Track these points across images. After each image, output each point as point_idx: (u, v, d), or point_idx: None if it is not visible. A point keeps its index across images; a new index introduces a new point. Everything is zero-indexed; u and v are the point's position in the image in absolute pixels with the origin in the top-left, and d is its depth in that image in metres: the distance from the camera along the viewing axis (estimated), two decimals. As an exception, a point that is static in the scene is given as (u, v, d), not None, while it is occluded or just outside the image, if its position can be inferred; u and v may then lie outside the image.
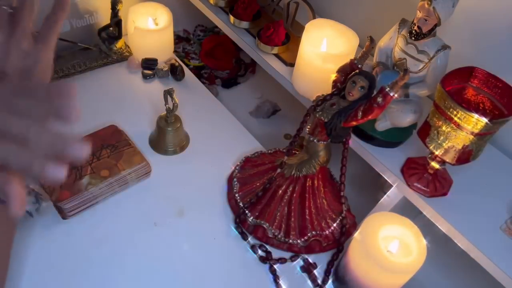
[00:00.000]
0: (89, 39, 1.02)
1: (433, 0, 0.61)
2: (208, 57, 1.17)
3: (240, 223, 0.78)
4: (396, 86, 0.61)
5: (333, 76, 0.70)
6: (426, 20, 0.64)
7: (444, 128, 0.60)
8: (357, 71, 0.65)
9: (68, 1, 0.45)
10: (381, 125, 0.74)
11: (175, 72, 1.02)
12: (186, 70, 1.05)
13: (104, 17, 1.03)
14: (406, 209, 0.73)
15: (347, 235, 0.78)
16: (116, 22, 0.99)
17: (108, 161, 0.79)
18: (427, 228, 0.68)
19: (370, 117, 0.64)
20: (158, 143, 0.87)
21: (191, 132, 0.91)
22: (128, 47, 1.05)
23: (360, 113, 0.64)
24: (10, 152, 0.33)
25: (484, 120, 0.55)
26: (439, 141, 0.62)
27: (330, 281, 0.73)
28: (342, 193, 0.77)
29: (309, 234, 0.75)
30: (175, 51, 1.12)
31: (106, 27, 1.01)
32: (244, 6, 0.94)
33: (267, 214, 0.76)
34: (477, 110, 0.56)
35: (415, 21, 0.65)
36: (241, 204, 0.79)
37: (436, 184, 0.69)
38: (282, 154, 0.85)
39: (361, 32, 0.77)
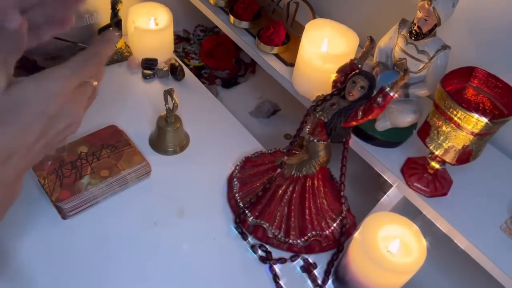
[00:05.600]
0: (89, 39, 1.02)
1: (433, 0, 0.61)
2: (208, 57, 1.17)
3: (240, 223, 0.78)
4: (396, 86, 0.61)
5: (333, 76, 0.70)
6: (426, 20, 0.64)
7: (444, 128, 0.60)
8: (357, 71, 0.65)
9: None
10: (381, 125, 0.74)
11: (175, 72, 1.02)
12: (186, 70, 1.05)
13: (104, 17, 1.03)
14: (406, 209, 0.73)
15: (347, 235, 0.78)
16: (116, 22, 0.99)
17: (108, 161, 0.79)
18: (427, 228, 0.68)
19: (370, 117, 0.64)
20: (158, 143, 0.87)
21: (191, 132, 0.91)
22: (128, 47, 1.05)
23: (360, 113, 0.64)
24: None
25: (484, 120, 0.55)
26: (439, 141, 0.62)
27: (330, 281, 0.73)
28: (342, 193, 0.77)
29: (309, 234, 0.75)
30: (175, 51, 1.12)
31: (106, 27, 1.01)
32: (244, 6, 0.94)
33: (267, 214, 0.76)
34: (477, 110, 0.56)
35: (415, 21, 0.65)
36: (241, 204, 0.79)
37: (436, 184, 0.69)
38: (282, 154, 0.85)
39: (361, 32, 0.77)
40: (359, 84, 0.64)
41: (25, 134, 0.36)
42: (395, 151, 0.75)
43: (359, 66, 0.68)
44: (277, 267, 0.74)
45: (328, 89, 0.70)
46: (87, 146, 0.81)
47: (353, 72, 0.65)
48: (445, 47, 0.66)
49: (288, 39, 0.92)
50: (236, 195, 0.80)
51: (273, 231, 0.76)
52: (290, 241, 0.75)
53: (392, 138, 0.75)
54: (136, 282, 0.69)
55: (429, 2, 0.62)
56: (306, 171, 0.75)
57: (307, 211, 0.76)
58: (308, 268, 0.74)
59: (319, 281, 0.73)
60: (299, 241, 0.75)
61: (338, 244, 0.77)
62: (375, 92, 0.64)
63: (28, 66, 0.92)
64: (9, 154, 0.37)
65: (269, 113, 1.09)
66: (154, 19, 1.00)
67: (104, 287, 0.68)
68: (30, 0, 0.36)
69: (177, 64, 1.02)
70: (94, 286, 0.68)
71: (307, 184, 0.76)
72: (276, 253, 0.76)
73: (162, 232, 0.76)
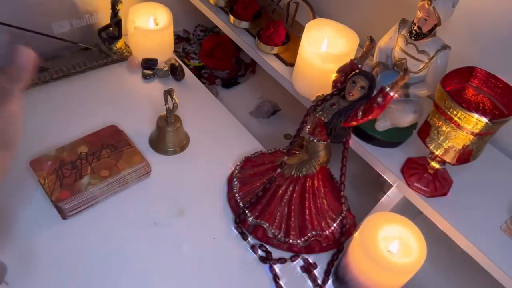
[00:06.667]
0: (89, 39, 1.02)
1: (433, 0, 0.61)
2: (208, 57, 1.17)
3: (240, 223, 0.78)
4: (396, 86, 0.61)
5: (333, 76, 0.70)
6: (426, 20, 0.64)
7: (444, 128, 0.60)
8: (357, 71, 0.65)
9: None
10: (381, 125, 0.74)
11: (175, 72, 1.02)
12: (186, 70, 1.05)
13: (104, 17, 1.03)
14: (406, 209, 0.73)
15: (347, 235, 0.78)
16: (116, 22, 0.99)
17: (108, 161, 0.79)
18: (427, 228, 0.68)
19: (370, 117, 0.64)
20: (158, 143, 0.87)
21: (191, 132, 0.91)
22: (128, 47, 1.05)
23: (360, 113, 0.64)
24: None
25: (484, 120, 0.55)
26: (439, 141, 0.62)
27: (330, 281, 0.73)
28: (342, 193, 0.77)
29: (309, 234, 0.75)
30: (175, 51, 1.12)
31: (106, 27, 1.01)
32: (244, 6, 0.94)
33: (267, 214, 0.76)
34: (477, 110, 0.56)
35: (415, 21, 0.66)
36: (241, 204, 0.79)
37: (436, 184, 0.69)
38: (282, 154, 0.85)
39: (361, 32, 0.77)
40: (359, 84, 0.64)
41: None
42: (395, 151, 0.75)
43: (359, 66, 0.68)
44: (277, 267, 0.74)
45: (328, 89, 0.70)
46: (87, 146, 0.81)
47: (353, 72, 0.65)
48: (445, 47, 0.66)
49: (288, 39, 0.92)
50: (236, 195, 0.80)
51: (273, 231, 0.76)
52: (290, 241, 0.75)
53: (392, 138, 0.75)
54: (136, 282, 0.69)
55: (429, 2, 0.62)
56: (306, 171, 0.75)
57: (307, 211, 0.76)
58: (308, 268, 0.74)
59: (319, 281, 0.73)
60: (299, 241, 0.75)
61: (338, 244, 0.77)
62: (375, 92, 0.64)
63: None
64: None
65: (269, 113, 1.09)
66: (154, 19, 1.00)
67: (104, 286, 0.68)
68: None
69: (177, 64, 1.02)
70: (94, 286, 0.68)
71: (307, 184, 0.76)
72: (276, 253, 0.76)
73: (162, 232, 0.76)
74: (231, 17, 0.95)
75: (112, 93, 0.97)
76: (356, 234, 0.69)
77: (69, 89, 0.95)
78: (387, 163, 0.73)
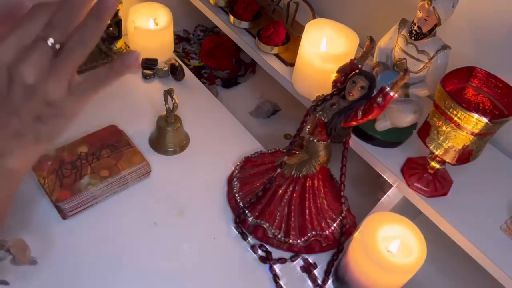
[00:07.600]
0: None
1: (433, 0, 0.61)
2: (208, 57, 1.17)
3: (240, 223, 0.78)
4: (396, 86, 0.61)
5: (333, 76, 0.70)
6: (426, 20, 0.64)
7: (444, 128, 0.60)
8: (357, 71, 0.66)
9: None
10: (381, 125, 0.74)
11: (175, 72, 1.02)
12: (186, 70, 1.05)
13: (104, 17, 1.03)
14: (406, 209, 0.73)
15: (347, 235, 0.78)
16: (116, 22, 0.99)
17: (108, 161, 0.79)
18: (427, 228, 0.68)
19: (370, 117, 0.64)
20: (158, 143, 0.87)
21: (191, 132, 0.91)
22: (128, 47, 1.05)
23: (360, 113, 0.64)
24: None
25: (484, 120, 0.55)
26: (439, 141, 0.62)
27: (330, 281, 0.73)
28: (342, 193, 0.77)
29: (309, 234, 0.75)
30: (175, 51, 1.12)
31: (106, 27, 1.01)
32: (244, 6, 0.94)
33: (267, 214, 0.76)
34: (477, 110, 0.56)
35: (415, 21, 0.65)
36: (241, 204, 0.79)
37: (436, 184, 0.69)
38: (282, 154, 0.85)
39: (361, 32, 0.77)
40: (359, 84, 0.64)
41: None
42: (395, 151, 0.75)
43: (359, 66, 0.68)
44: (277, 267, 0.74)
45: (328, 89, 0.70)
46: (87, 146, 0.81)
47: (353, 72, 0.65)
48: (445, 47, 0.66)
49: (288, 39, 0.92)
50: (236, 195, 0.80)
51: (273, 231, 0.76)
52: (290, 241, 0.75)
53: (392, 138, 0.75)
54: (136, 282, 0.69)
55: (429, 2, 0.62)
56: (306, 171, 0.75)
57: (307, 211, 0.76)
58: (308, 268, 0.74)
59: (319, 281, 0.73)
60: (299, 241, 0.75)
61: (338, 244, 0.77)
62: (375, 92, 0.64)
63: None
64: None
65: (269, 113, 1.09)
66: (154, 19, 1.00)
67: (104, 287, 0.68)
68: None
69: (177, 64, 1.02)
70: (94, 286, 0.68)
71: (307, 184, 0.76)
72: (276, 253, 0.76)
73: (162, 232, 0.76)
74: (231, 17, 0.95)
75: (112, 93, 0.97)
76: (356, 234, 0.69)
77: (69, 89, 0.95)
78: (387, 163, 0.73)
